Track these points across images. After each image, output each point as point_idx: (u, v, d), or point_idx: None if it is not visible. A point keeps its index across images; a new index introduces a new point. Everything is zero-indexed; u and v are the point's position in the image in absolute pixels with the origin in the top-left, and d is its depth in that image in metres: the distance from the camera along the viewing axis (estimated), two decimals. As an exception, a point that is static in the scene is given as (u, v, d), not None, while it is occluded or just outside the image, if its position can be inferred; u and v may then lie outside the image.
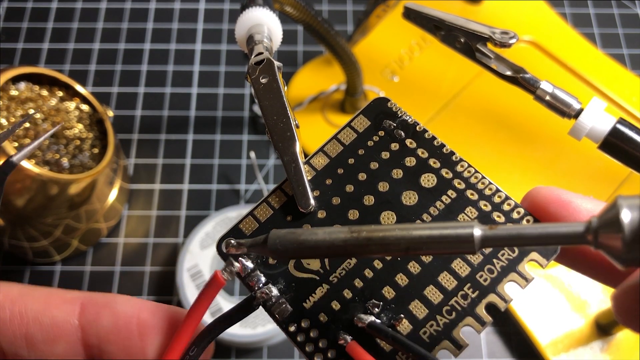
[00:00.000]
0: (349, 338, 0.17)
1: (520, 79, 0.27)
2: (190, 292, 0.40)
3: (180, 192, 0.47)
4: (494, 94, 0.47)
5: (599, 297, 0.40)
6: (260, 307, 0.18)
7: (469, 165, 0.19)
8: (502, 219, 0.18)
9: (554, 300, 0.40)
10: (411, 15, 0.31)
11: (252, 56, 0.23)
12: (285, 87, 0.22)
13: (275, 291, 0.18)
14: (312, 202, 0.19)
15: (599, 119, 0.26)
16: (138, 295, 0.43)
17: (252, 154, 0.47)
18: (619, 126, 0.25)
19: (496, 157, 0.45)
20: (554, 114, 0.27)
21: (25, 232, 0.39)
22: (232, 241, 0.18)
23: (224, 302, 0.40)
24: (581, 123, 0.26)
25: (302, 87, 0.49)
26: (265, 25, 0.27)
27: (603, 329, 0.39)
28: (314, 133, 0.47)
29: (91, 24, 0.54)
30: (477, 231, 0.14)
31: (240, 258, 0.19)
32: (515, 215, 0.18)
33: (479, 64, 0.28)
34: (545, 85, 0.27)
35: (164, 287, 0.43)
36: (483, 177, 0.19)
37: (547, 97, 0.27)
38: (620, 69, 0.48)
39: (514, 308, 0.40)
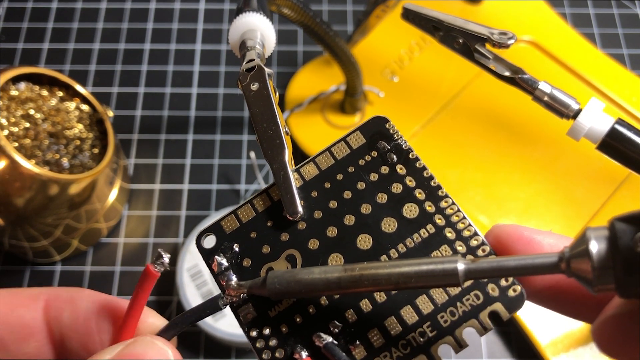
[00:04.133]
0: (304, 354, 0.17)
1: (519, 80, 0.27)
2: (190, 292, 0.40)
3: (180, 192, 0.47)
4: (494, 94, 0.47)
5: (598, 297, 0.40)
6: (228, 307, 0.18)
7: (453, 203, 0.19)
8: None
9: (554, 300, 0.40)
10: (410, 16, 0.31)
11: (244, 63, 0.23)
12: (277, 94, 0.22)
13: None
14: (300, 209, 0.19)
15: (597, 119, 0.26)
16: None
17: (252, 154, 0.47)
18: (617, 127, 0.25)
19: (495, 157, 0.45)
20: (553, 115, 0.27)
21: (25, 232, 0.39)
22: (232, 282, 0.18)
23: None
24: (579, 124, 0.26)
25: (302, 88, 0.49)
26: (259, 31, 0.27)
27: (602, 329, 0.39)
28: (314, 134, 0.47)
29: (91, 24, 0.54)
30: (461, 265, 0.15)
31: (215, 256, 0.19)
32: None
33: (477, 64, 0.28)
34: (543, 86, 0.27)
35: (164, 287, 0.43)
36: (464, 217, 0.19)
37: (546, 98, 0.27)
38: (620, 69, 0.48)
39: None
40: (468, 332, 0.17)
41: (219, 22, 0.54)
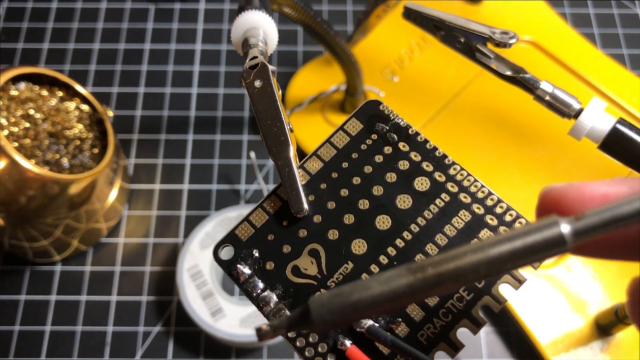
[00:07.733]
0: (348, 342, 0.17)
1: (520, 79, 0.27)
2: (190, 292, 0.40)
3: (180, 192, 0.47)
4: (494, 94, 0.47)
5: (599, 297, 0.40)
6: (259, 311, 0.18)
7: (462, 169, 0.19)
8: (495, 222, 0.18)
9: (554, 300, 0.40)
10: (411, 15, 0.31)
11: (247, 60, 0.23)
12: (280, 91, 0.22)
13: (274, 297, 0.18)
14: (306, 206, 0.19)
15: (598, 119, 0.26)
16: (138, 296, 0.43)
17: (252, 154, 0.47)
18: (619, 126, 0.25)
19: (496, 157, 0.45)
20: (554, 114, 0.27)
21: (25, 232, 0.39)
22: (265, 327, 0.14)
23: (224, 303, 0.40)
24: (581, 123, 0.26)
25: (302, 87, 0.49)
26: (261, 29, 0.27)
27: (603, 329, 0.39)
28: (314, 133, 0.47)
29: (91, 24, 0.54)
30: (565, 227, 0.12)
31: (237, 265, 0.19)
32: (507, 218, 0.18)
33: (479, 64, 0.28)
34: (545, 85, 0.27)
35: (164, 287, 0.43)
36: (476, 180, 0.19)
37: (547, 97, 0.27)
38: (620, 69, 0.48)
39: (514, 308, 0.40)
40: (503, 288, 0.17)
41: (219, 22, 0.54)
